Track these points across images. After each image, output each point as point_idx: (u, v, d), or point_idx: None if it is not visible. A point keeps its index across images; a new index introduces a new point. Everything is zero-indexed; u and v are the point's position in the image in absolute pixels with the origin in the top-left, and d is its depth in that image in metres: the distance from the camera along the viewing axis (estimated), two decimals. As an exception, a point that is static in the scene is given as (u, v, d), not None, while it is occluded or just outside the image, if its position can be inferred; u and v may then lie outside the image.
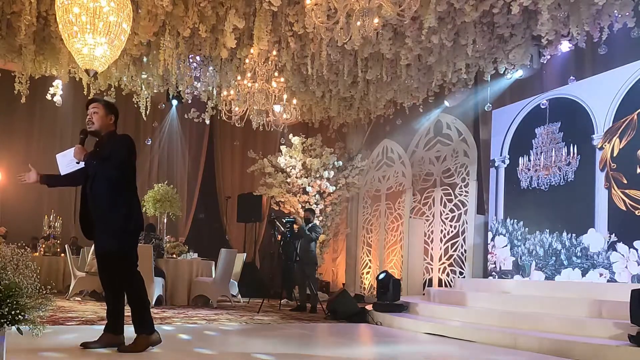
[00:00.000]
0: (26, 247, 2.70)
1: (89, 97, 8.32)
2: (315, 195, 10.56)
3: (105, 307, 3.87)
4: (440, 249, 9.26)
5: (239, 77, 7.28)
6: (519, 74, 7.82)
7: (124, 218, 3.66)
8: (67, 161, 3.73)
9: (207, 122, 9.59)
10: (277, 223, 8.31)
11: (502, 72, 7.74)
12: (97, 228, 3.72)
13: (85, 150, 3.70)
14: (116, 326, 3.78)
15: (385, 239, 10.49)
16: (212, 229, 12.45)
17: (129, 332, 3.75)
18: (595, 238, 6.66)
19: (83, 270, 8.08)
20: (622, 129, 6.51)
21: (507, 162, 8.15)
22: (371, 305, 7.33)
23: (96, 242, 3.82)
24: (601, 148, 6.75)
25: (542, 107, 7.60)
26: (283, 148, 10.71)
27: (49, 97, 8.72)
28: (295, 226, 8.06)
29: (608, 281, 6.41)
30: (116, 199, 3.66)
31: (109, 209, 3.66)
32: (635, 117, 6.36)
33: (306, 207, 9.54)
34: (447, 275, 9.09)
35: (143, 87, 8.75)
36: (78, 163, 3.67)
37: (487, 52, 7.22)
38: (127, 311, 3.78)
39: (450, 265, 9.05)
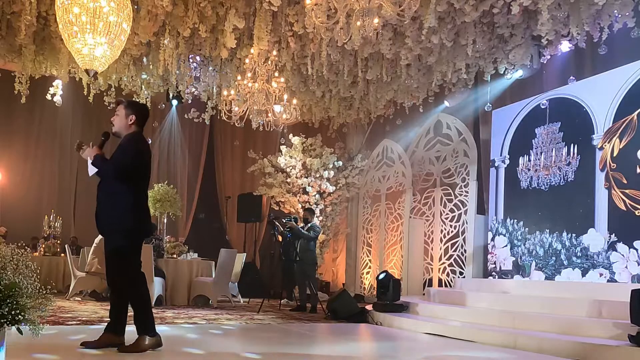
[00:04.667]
0: (26, 247, 2.70)
1: (89, 97, 8.38)
2: (315, 195, 10.56)
3: (108, 307, 3.90)
4: (440, 249, 9.25)
5: (239, 77, 7.28)
6: (519, 74, 7.82)
7: (124, 219, 3.70)
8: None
9: (207, 122, 9.58)
10: (277, 223, 8.31)
11: (502, 72, 7.73)
12: (104, 227, 3.80)
13: (97, 151, 3.77)
14: (117, 326, 3.79)
15: (385, 239, 10.48)
16: (212, 229, 12.43)
17: (130, 332, 3.76)
18: (595, 238, 6.66)
19: (83, 270, 8.08)
20: (622, 129, 6.50)
21: (507, 162, 8.15)
22: (371, 305, 7.33)
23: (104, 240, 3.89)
24: (601, 148, 6.74)
25: (542, 107, 7.60)
26: (283, 148, 10.71)
27: (49, 97, 8.72)
28: (290, 224, 8.08)
29: (608, 281, 6.41)
30: (119, 199, 3.71)
31: (111, 208, 3.71)
32: (635, 117, 6.36)
33: (305, 207, 9.54)
34: (447, 275, 9.09)
35: (143, 87, 8.74)
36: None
37: (487, 52, 7.22)
38: (130, 312, 3.79)
39: (450, 265, 9.05)
